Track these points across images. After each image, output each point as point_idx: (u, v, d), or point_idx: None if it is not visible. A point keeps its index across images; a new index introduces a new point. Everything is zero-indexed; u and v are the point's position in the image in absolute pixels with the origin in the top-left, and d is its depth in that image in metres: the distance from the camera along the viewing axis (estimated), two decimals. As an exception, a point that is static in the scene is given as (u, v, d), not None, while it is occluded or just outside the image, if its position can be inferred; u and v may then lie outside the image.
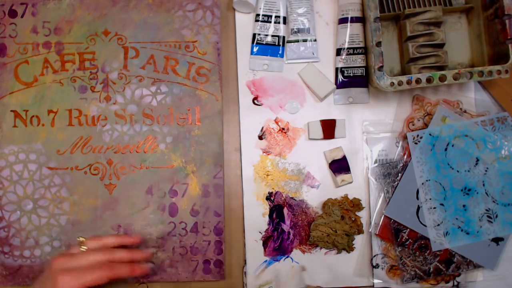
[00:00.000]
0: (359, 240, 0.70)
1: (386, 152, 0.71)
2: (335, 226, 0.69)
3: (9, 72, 0.70)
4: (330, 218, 0.69)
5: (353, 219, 0.69)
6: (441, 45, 0.68)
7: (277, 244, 0.70)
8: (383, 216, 0.69)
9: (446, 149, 0.69)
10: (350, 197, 0.70)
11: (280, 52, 0.72)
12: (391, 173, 0.70)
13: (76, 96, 0.70)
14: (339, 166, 0.70)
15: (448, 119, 0.70)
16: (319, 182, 0.71)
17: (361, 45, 0.71)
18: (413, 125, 0.71)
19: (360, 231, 0.69)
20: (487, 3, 0.67)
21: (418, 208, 0.69)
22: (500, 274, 0.70)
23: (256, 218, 0.70)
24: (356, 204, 0.70)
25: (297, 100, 0.72)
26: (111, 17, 0.71)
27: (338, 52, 0.72)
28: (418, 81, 0.64)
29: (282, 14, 0.72)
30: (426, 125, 0.70)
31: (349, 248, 0.69)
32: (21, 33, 0.71)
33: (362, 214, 0.70)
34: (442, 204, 0.68)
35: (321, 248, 0.70)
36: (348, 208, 0.69)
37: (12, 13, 0.71)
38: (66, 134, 0.70)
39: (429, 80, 0.64)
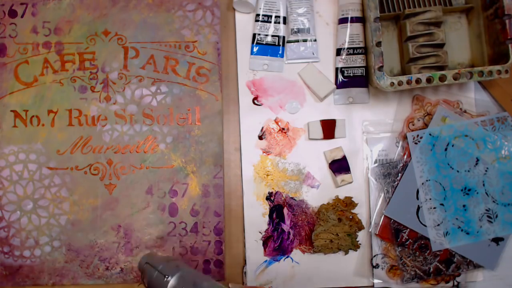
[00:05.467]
0: (359, 240, 0.70)
1: (386, 152, 0.71)
2: (335, 230, 0.69)
3: (9, 72, 0.70)
4: (328, 224, 0.69)
5: (350, 217, 0.69)
6: (441, 45, 0.68)
7: (277, 244, 0.70)
8: (383, 216, 0.69)
9: (446, 149, 0.69)
10: (350, 198, 0.70)
11: (280, 52, 0.72)
12: (391, 173, 0.70)
13: (76, 96, 0.70)
14: (339, 166, 0.70)
15: (448, 119, 0.70)
16: (319, 182, 0.71)
17: (361, 45, 0.71)
18: (413, 125, 0.71)
19: (360, 228, 0.69)
20: (487, 3, 0.67)
21: (418, 208, 0.69)
22: (500, 274, 0.70)
23: (256, 218, 0.70)
24: (348, 203, 0.70)
25: (297, 100, 0.72)
26: (111, 17, 0.71)
27: (338, 52, 0.72)
28: (418, 81, 0.64)
29: (282, 14, 0.72)
30: (426, 125, 0.70)
31: (355, 247, 0.69)
32: (21, 33, 0.71)
33: (359, 211, 0.70)
34: (442, 204, 0.68)
35: (325, 253, 0.70)
36: (343, 209, 0.69)
37: (12, 13, 0.71)
38: (66, 134, 0.70)
39: (429, 80, 0.64)
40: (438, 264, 0.69)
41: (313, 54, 0.72)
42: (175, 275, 0.55)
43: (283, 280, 0.70)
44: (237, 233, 0.71)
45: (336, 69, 0.72)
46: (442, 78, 0.64)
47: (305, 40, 0.72)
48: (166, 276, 0.55)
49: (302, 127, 0.72)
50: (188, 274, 0.56)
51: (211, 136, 0.70)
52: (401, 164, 0.70)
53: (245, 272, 0.70)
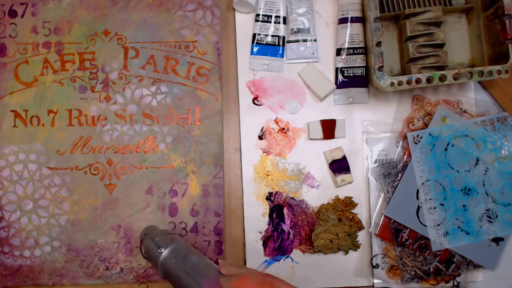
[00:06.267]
0: (359, 240, 0.70)
1: (386, 152, 0.71)
2: (335, 230, 0.69)
3: (9, 72, 0.70)
4: (328, 224, 0.69)
5: (350, 217, 0.69)
6: (441, 45, 0.68)
7: (277, 244, 0.70)
8: (383, 216, 0.69)
9: (446, 149, 0.69)
10: (350, 198, 0.70)
11: (280, 52, 0.72)
12: (391, 173, 0.70)
13: (76, 96, 0.70)
14: (339, 166, 0.70)
15: (448, 119, 0.70)
16: (319, 182, 0.71)
17: (361, 45, 0.71)
18: (413, 125, 0.71)
19: (360, 228, 0.69)
20: (487, 3, 0.67)
21: (418, 208, 0.69)
22: (500, 274, 0.70)
23: (256, 218, 0.70)
24: (349, 203, 0.69)
25: (297, 100, 0.72)
26: (111, 17, 0.71)
27: (338, 52, 0.72)
28: (418, 81, 0.64)
29: (282, 14, 0.72)
30: (426, 125, 0.70)
31: (355, 247, 0.69)
32: (21, 33, 0.71)
33: (359, 211, 0.70)
34: (442, 204, 0.68)
35: (325, 253, 0.70)
36: (343, 209, 0.69)
37: (12, 13, 0.71)
38: (66, 134, 0.70)
39: (429, 80, 0.64)
40: (438, 264, 0.69)
41: (313, 54, 0.72)
42: (168, 247, 0.57)
43: (283, 280, 0.70)
44: (237, 233, 0.71)
45: (336, 69, 0.72)
46: (442, 78, 0.64)
47: (305, 40, 0.72)
48: (160, 248, 0.57)
49: (302, 127, 0.72)
50: (181, 247, 0.58)
51: (211, 136, 0.70)
52: (401, 164, 0.70)
53: (245, 272, 0.70)
